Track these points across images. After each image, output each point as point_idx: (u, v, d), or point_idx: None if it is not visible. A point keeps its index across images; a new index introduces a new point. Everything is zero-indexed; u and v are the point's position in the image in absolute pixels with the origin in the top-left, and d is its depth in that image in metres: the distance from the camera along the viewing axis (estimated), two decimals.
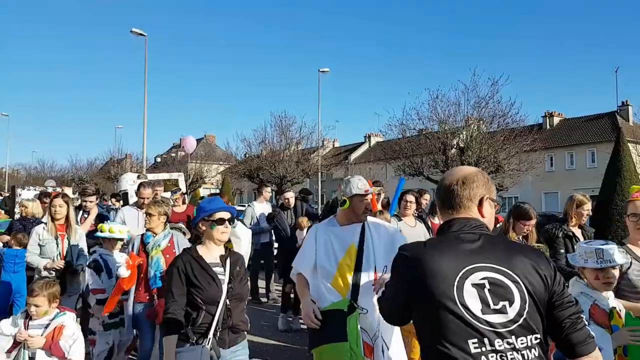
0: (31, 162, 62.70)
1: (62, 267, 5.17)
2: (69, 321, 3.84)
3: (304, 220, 7.72)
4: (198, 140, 60.10)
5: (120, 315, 4.81)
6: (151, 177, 15.64)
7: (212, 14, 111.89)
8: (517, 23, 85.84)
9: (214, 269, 3.13)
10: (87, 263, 5.03)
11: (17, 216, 8.68)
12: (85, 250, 5.51)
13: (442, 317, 1.74)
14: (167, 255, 4.59)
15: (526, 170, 21.50)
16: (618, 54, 72.31)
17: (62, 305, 5.15)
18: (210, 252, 3.20)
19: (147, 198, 6.10)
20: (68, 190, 13.24)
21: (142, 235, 4.75)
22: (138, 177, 14.51)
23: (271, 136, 30.29)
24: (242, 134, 55.71)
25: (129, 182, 13.77)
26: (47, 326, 3.75)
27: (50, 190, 12.73)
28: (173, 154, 54.85)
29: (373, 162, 39.89)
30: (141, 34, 25.54)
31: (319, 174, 32.23)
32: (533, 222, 4.63)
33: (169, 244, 4.68)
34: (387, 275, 3.42)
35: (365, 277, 3.25)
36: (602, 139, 34.14)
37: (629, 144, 18.82)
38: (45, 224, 5.38)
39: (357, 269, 3.26)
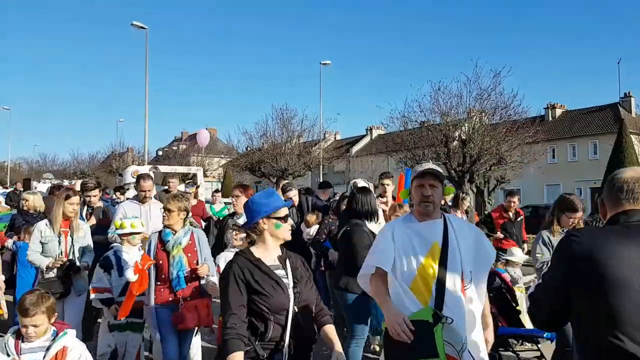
0: (33, 156, 62.62)
1: (64, 264, 4.85)
2: (72, 341, 3.25)
3: (312, 219, 7.39)
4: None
5: (128, 319, 4.47)
6: (168, 169, 14.93)
7: (212, 7, 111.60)
8: (519, 16, 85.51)
9: (275, 272, 2.76)
10: (99, 260, 4.80)
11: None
12: (92, 246, 5.21)
13: (620, 305, 1.64)
14: (189, 254, 4.31)
15: (528, 162, 21.46)
16: (620, 45, 72.05)
17: (70, 305, 4.91)
18: (269, 254, 2.82)
19: (149, 191, 5.78)
20: (77, 184, 13.03)
21: (160, 232, 4.41)
22: (153, 169, 14.09)
23: (272, 129, 30.28)
24: (244, 127, 55.88)
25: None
26: (47, 349, 3.13)
27: (66, 183, 12.40)
28: (175, 147, 54.89)
29: (375, 155, 39.83)
30: (142, 27, 25.48)
31: (321, 166, 32.23)
32: (579, 214, 4.38)
33: (190, 242, 4.36)
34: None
35: (451, 282, 2.85)
36: (605, 130, 34.03)
37: (631, 135, 18.78)
38: (50, 220, 5.01)
39: (442, 272, 2.85)
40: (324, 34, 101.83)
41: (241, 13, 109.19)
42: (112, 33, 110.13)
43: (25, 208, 6.76)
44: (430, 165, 3.07)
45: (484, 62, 31.15)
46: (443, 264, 2.86)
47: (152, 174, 7.24)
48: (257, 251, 2.81)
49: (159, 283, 4.29)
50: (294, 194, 7.87)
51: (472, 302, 2.92)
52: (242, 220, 4.82)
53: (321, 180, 30.71)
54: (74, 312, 4.94)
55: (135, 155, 41.39)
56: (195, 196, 8.75)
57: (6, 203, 14.01)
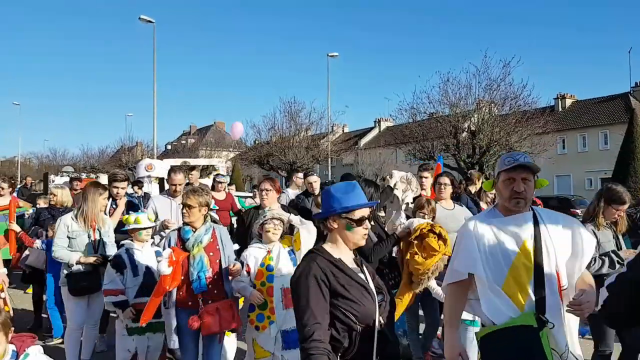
0: (43, 151, 63.06)
1: (99, 262, 4.66)
2: None
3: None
4: (208, 128, 60.33)
5: (152, 320, 4.11)
6: (196, 162, 14.03)
7: (219, 0, 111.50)
8: (529, 5, 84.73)
9: (358, 275, 2.39)
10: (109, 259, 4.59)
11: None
12: (113, 240, 5.02)
13: None
14: (211, 253, 3.98)
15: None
16: (631, 34, 71.20)
17: (95, 301, 4.74)
18: (347, 255, 2.43)
19: (180, 184, 5.50)
20: (103, 178, 12.24)
21: (179, 230, 4.09)
22: (184, 165, 13.10)
23: (280, 122, 30.31)
24: (252, 121, 55.80)
25: (163, 168, 11.60)
26: None
27: (84, 176, 11.02)
28: (183, 141, 55.06)
29: (383, 147, 39.77)
30: (149, 21, 25.53)
31: (329, 159, 32.20)
32: (625, 207, 4.17)
33: (212, 239, 4.02)
34: None
35: (548, 282, 2.54)
36: (615, 120, 33.75)
37: None
38: (76, 214, 4.80)
39: (539, 272, 2.53)
40: (331, 25, 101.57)
41: (248, 6, 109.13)
42: (120, 27, 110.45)
43: (52, 202, 6.52)
44: (522, 155, 2.68)
45: (493, 52, 31.02)
46: (538, 263, 2.54)
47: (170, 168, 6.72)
48: (333, 250, 2.41)
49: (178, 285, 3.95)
50: (314, 180, 7.49)
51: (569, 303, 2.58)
52: (272, 213, 4.28)
53: (329, 173, 30.68)
54: (97, 309, 4.87)
55: (144, 150, 41.56)
56: (224, 189, 8.13)
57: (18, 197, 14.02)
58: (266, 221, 4.07)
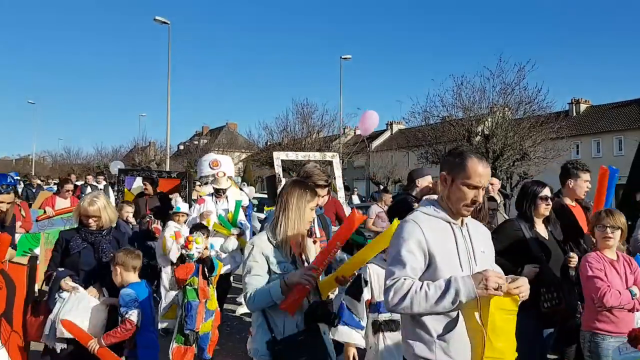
0: (57, 150, 63.62)
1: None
2: None
3: None
4: (220, 129, 60.46)
5: None
6: (298, 156, 11.58)
7: (233, 1, 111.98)
8: (544, 8, 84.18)
9: None
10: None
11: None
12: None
13: None
14: None
15: (552, 158, 21.16)
16: None
17: None
18: None
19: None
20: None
21: None
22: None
23: (293, 124, 30.38)
24: (264, 122, 55.90)
25: (230, 165, 9.12)
26: None
27: (154, 176, 8.41)
28: (196, 142, 55.23)
29: (395, 150, 39.64)
30: (164, 22, 25.69)
31: (340, 161, 32.22)
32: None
33: None
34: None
35: None
36: (630, 126, 33.43)
37: None
38: (277, 235, 2.80)
39: None
40: (344, 27, 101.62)
41: (261, 7, 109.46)
42: (135, 27, 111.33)
43: (92, 227, 3.85)
44: None
45: (507, 56, 30.80)
46: None
47: None
48: None
49: None
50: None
51: None
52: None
53: (341, 175, 30.57)
54: None
55: (157, 150, 41.81)
56: (329, 192, 6.47)
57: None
58: None
